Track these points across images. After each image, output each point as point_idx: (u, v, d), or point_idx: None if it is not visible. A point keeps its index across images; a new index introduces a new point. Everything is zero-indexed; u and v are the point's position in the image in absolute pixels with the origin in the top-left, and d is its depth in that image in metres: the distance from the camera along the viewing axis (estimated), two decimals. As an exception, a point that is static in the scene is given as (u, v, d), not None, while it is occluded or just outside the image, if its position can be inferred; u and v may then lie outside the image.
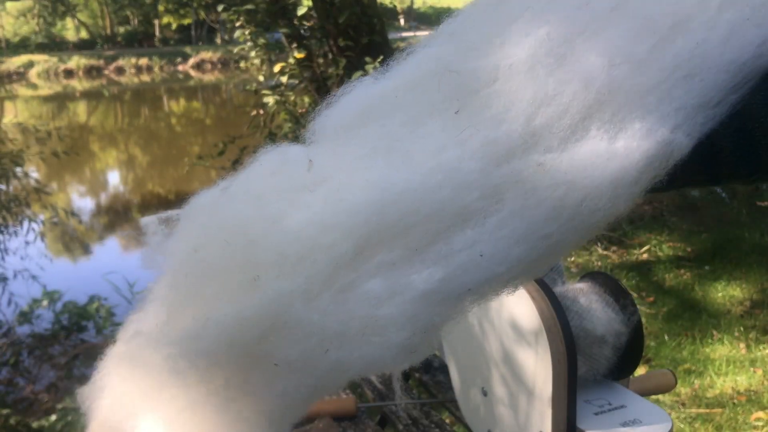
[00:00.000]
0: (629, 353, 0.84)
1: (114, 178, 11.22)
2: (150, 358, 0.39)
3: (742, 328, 2.96)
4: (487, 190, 0.37)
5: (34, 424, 3.09)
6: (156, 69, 26.68)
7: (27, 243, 5.08)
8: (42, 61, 25.95)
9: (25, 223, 5.03)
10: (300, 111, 4.59)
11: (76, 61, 26.17)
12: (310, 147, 0.43)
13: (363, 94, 0.43)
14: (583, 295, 0.86)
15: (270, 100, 4.46)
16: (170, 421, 0.39)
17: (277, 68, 4.60)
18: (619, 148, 0.37)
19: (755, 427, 2.33)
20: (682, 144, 0.38)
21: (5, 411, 3.16)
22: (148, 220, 0.45)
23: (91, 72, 26.08)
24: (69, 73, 25.70)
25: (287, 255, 0.37)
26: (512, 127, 0.38)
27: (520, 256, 0.38)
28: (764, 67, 0.38)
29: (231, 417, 0.39)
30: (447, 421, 1.36)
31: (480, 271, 0.38)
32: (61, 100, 20.28)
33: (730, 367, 2.68)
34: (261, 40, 4.57)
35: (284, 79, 4.58)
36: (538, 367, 0.78)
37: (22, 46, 30.53)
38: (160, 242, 0.43)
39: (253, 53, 4.72)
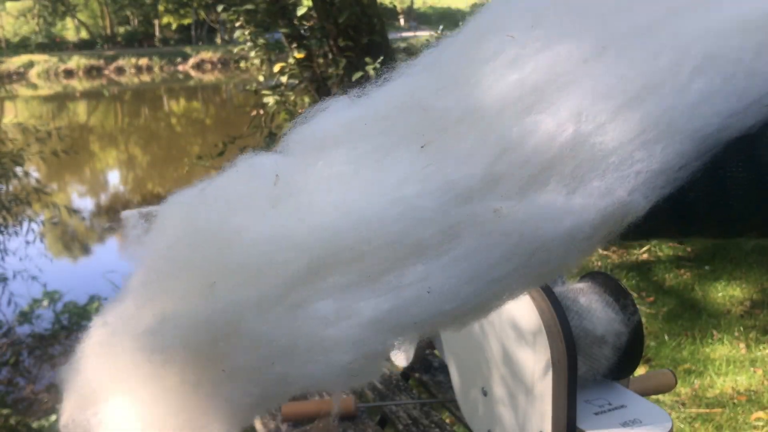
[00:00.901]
0: (629, 353, 0.84)
1: (114, 178, 11.22)
2: (114, 349, 0.41)
3: (742, 328, 2.96)
4: (442, 228, 0.38)
5: (34, 424, 3.09)
6: (156, 69, 26.67)
7: (27, 243, 5.08)
8: (42, 61, 25.95)
9: (25, 223, 5.03)
10: (300, 111, 4.59)
11: (76, 61, 26.17)
12: (281, 160, 0.44)
13: (337, 116, 0.44)
14: (583, 295, 0.86)
15: (270, 100, 4.46)
16: (131, 409, 0.41)
17: (277, 68, 4.60)
18: (575, 204, 0.38)
19: (755, 427, 2.33)
20: (638, 206, 0.38)
21: (5, 411, 3.16)
22: (129, 214, 0.47)
23: (91, 72, 26.08)
24: (69, 73, 25.70)
25: (245, 266, 0.38)
26: (474, 170, 0.38)
27: (468, 297, 0.39)
28: (730, 137, 0.38)
29: (185, 414, 0.40)
30: (447, 421, 1.36)
31: (427, 306, 0.38)
32: (61, 100, 20.28)
33: (730, 367, 2.69)
34: (261, 40, 4.57)
35: (284, 79, 4.57)
36: (538, 367, 0.78)
37: (22, 46, 30.51)
38: (139, 236, 0.44)
39: (253, 53, 4.71)
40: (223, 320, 0.38)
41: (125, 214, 0.47)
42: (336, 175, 0.41)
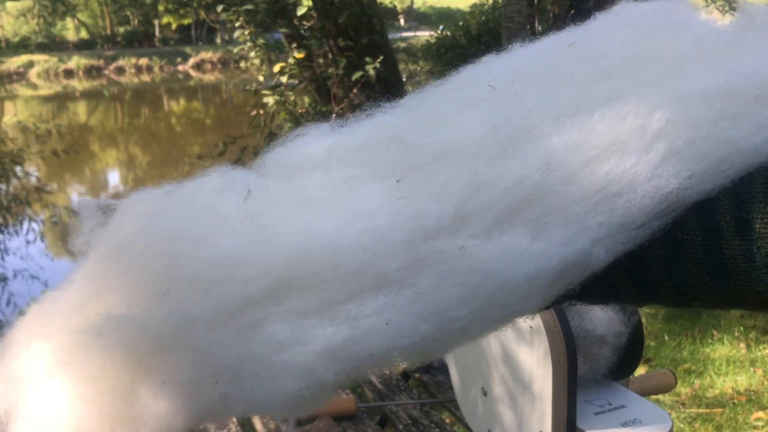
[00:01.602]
0: (629, 353, 0.84)
1: (114, 178, 11.23)
2: (48, 342, 0.39)
3: (742, 328, 2.96)
4: (407, 263, 0.38)
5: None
6: (156, 69, 26.69)
7: (27, 243, 5.08)
8: (42, 61, 25.97)
9: (26, 223, 5.04)
10: (300, 111, 4.60)
11: (76, 61, 26.18)
12: (255, 177, 0.44)
13: (316, 142, 0.45)
14: (583, 295, 0.86)
15: (270, 100, 4.46)
16: (56, 406, 0.39)
17: (277, 68, 4.61)
18: (538, 250, 0.39)
19: (755, 427, 2.33)
20: (599, 258, 0.40)
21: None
22: (86, 203, 0.45)
23: (91, 72, 26.09)
24: (69, 73, 25.72)
25: (201, 279, 0.37)
26: (444, 207, 0.39)
27: (426, 333, 0.39)
28: (689, 199, 0.40)
29: (111, 420, 0.39)
30: (447, 421, 1.37)
31: (384, 339, 0.38)
32: (61, 100, 20.29)
33: (730, 367, 2.69)
34: (261, 40, 4.57)
35: (284, 79, 4.58)
36: (538, 367, 0.78)
37: (22, 46, 30.53)
38: (93, 228, 0.43)
39: (253, 53, 4.72)
40: (171, 331, 0.37)
41: (81, 201, 0.45)
42: (309, 198, 0.41)
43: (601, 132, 0.40)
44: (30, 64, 25.51)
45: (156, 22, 33.13)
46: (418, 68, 7.71)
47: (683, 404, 2.47)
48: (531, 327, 0.78)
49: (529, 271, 0.39)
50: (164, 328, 0.37)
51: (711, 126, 0.40)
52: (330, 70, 4.55)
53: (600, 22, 0.48)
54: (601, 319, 0.83)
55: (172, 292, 0.37)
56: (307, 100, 4.66)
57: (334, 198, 0.40)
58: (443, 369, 1.47)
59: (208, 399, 0.38)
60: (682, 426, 2.34)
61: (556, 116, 0.41)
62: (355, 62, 4.33)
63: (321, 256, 0.38)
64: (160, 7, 31.33)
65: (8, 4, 31.64)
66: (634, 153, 0.39)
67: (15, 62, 25.34)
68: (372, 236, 0.38)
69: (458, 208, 0.39)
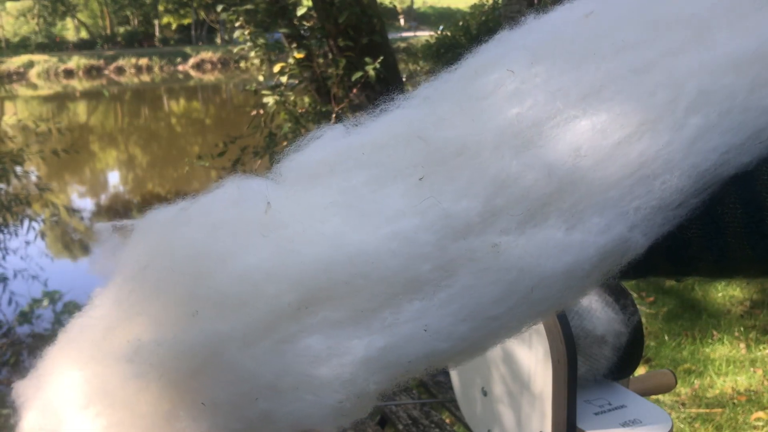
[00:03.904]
0: (629, 353, 0.84)
1: (114, 178, 11.23)
2: (83, 370, 0.39)
3: (742, 328, 2.96)
4: (440, 264, 0.37)
5: (34, 424, 3.08)
6: (156, 69, 26.68)
7: (27, 243, 5.08)
8: (42, 61, 25.95)
9: (26, 223, 5.04)
10: (300, 111, 4.60)
11: (76, 61, 26.17)
12: (273, 186, 0.43)
13: (332, 145, 0.43)
14: (583, 295, 0.86)
15: (270, 100, 4.46)
16: None
17: (277, 68, 4.61)
18: (574, 241, 0.37)
19: (755, 427, 2.33)
20: (638, 243, 0.38)
21: (5, 411, 3.16)
22: (102, 227, 0.44)
23: (91, 72, 26.08)
24: (69, 73, 25.70)
25: (230, 296, 0.37)
26: (472, 204, 0.38)
27: (465, 335, 0.38)
28: (726, 174, 0.38)
29: None
30: (447, 421, 1.37)
31: (422, 345, 0.37)
32: (61, 100, 20.28)
33: (730, 367, 2.69)
34: (261, 40, 4.57)
35: (284, 79, 4.58)
36: (538, 367, 0.78)
37: (22, 46, 30.51)
38: (111, 250, 0.42)
39: (253, 53, 4.72)
40: (205, 351, 0.36)
41: (98, 226, 0.44)
42: (330, 205, 0.39)
43: (630, 111, 0.38)
44: (30, 64, 25.50)
45: (156, 22, 33.12)
46: (418, 68, 7.71)
47: (683, 404, 2.47)
48: (531, 327, 0.78)
49: (567, 263, 0.37)
50: (197, 349, 0.36)
51: (746, 94, 0.38)
52: (330, 70, 4.54)
53: None
54: (601, 319, 0.83)
55: (201, 312, 0.37)
56: (307, 100, 4.66)
57: (357, 202, 0.39)
58: (443, 369, 1.47)
59: (249, 417, 0.37)
60: (682, 426, 2.34)
61: (581, 97, 0.39)
62: (355, 62, 4.33)
63: (350, 265, 0.37)
64: (160, 7, 31.31)
65: (8, 4, 31.63)
66: (667, 130, 0.37)
67: (15, 62, 25.33)
68: (400, 240, 0.37)
69: (487, 204, 0.38)
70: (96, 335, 0.39)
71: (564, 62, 0.41)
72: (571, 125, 0.38)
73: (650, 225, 0.38)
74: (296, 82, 4.66)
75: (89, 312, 0.41)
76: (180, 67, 26.77)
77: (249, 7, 4.42)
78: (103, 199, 9.43)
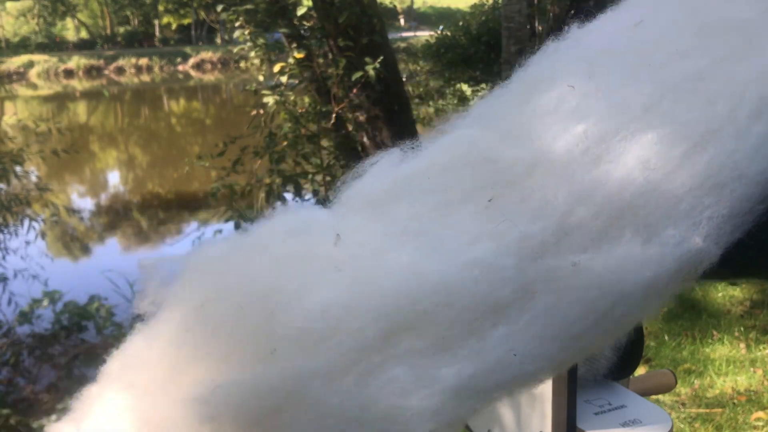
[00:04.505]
0: (629, 353, 0.84)
1: (114, 178, 11.24)
2: (147, 415, 0.37)
3: (742, 328, 2.96)
4: (521, 286, 0.37)
5: (34, 424, 3.10)
6: (156, 69, 26.68)
7: (27, 243, 5.09)
8: (42, 61, 25.95)
9: (26, 223, 5.04)
10: (300, 111, 4.60)
11: (76, 61, 26.17)
12: (335, 215, 0.42)
13: (392, 171, 0.43)
14: (583, 295, 0.86)
15: (270, 100, 4.46)
16: None
17: (277, 68, 4.60)
18: (653, 255, 0.37)
19: (755, 427, 2.33)
20: (711, 253, 0.38)
21: (5, 411, 3.17)
22: (147, 263, 0.43)
23: (91, 72, 26.08)
24: (69, 73, 25.71)
25: (309, 332, 0.36)
26: (547, 223, 0.37)
27: (551, 355, 0.38)
28: None
29: None
30: (447, 421, 1.36)
31: (511, 369, 0.37)
32: (61, 100, 20.29)
33: (730, 367, 2.69)
34: (261, 40, 4.57)
35: (284, 79, 4.57)
36: (538, 367, 0.78)
37: (22, 46, 30.49)
38: (159, 287, 0.41)
39: (253, 53, 4.72)
40: (286, 389, 0.35)
41: (143, 263, 0.43)
42: (400, 233, 0.39)
43: (692, 120, 0.38)
44: (30, 64, 25.50)
45: (156, 22, 33.12)
46: (418, 68, 7.71)
47: (683, 404, 2.47)
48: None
49: (647, 278, 0.37)
50: (279, 386, 0.35)
51: None
52: (330, 70, 4.54)
53: None
54: (601, 319, 0.83)
55: (279, 350, 0.36)
56: (307, 100, 4.66)
57: (427, 229, 0.39)
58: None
59: None
60: (682, 426, 2.34)
61: (643, 109, 0.39)
62: (355, 62, 4.33)
63: (434, 295, 0.36)
64: (160, 7, 31.32)
65: (8, 4, 31.63)
66: (732, 139, 0.38)
67: (15, 62, 25.33)
68: (482, 267, 0.37)
69: (561, 223, 0.37)
70: (157, 376, 0.38)
71: (621, 74, 0.41)
72: (637, 138, 0.38)
73: (722, 233, 0.38)
74: (296, 82, 4.66)
75: (132, 351, 0.40)
76: (180, 67, 26.78)
77: (249, 7, 4.42)
78: (103, 199, 9.43)
